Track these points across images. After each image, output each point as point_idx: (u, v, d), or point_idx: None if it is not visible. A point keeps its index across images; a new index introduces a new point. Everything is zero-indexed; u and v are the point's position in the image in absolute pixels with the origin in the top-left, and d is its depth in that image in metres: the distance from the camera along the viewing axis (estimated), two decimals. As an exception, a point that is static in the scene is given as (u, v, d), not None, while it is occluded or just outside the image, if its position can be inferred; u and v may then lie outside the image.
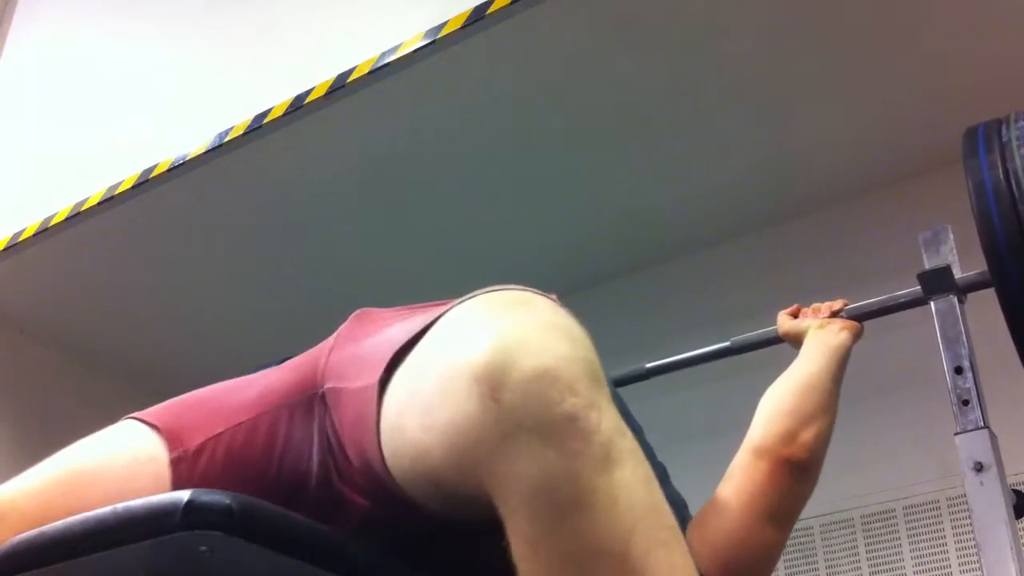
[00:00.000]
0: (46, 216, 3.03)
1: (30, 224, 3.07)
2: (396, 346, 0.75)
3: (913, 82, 2.60)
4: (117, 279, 3.35)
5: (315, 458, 0.82)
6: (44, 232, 3.04)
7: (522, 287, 0.72)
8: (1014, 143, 1.31)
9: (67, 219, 2.99)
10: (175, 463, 0.80)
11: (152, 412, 0.86)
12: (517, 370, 0.60)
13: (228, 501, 0.62)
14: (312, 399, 0.85)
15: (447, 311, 0.73)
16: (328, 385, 0.84)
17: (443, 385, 0.65)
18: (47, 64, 3.46)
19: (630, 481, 0.60)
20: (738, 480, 1.11)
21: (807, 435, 1.16)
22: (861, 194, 2.95)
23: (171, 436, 0.82)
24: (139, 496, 0.67)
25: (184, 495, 0.62)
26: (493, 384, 0.60)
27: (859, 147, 2.86)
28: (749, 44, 2.53)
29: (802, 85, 2.66)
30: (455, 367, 0.64)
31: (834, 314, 1.48)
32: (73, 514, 0.69)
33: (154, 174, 2.84)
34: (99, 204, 2.93)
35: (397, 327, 0.81)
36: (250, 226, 3.13)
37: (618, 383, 1.81)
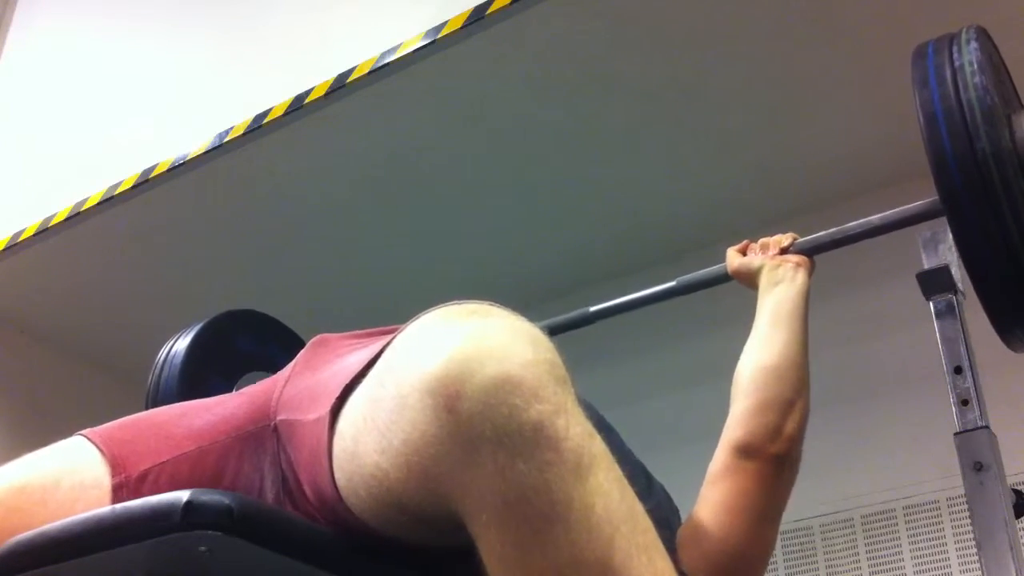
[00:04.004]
0: (46, 216, 3.03)
1: (30, 224, 3.07)
2: (351, 374, 0.72)
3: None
4: (117, 279, 3.35)
5: (268, 494, 0.79)
6: (44, 232, 3.04)
7: (479, 300, 0.69)
8: (967, 69, 1.22)
9: (67, 219, 2.99)
10: (116, 490, 0.78)
11: (103, 431, 0.84)
12: (476, 378, 0.58)
13: (228, 501, 0.62)
14: (264, 431, 0.81)
15: (401, 330, 0.70)
16: (281, 417, 0.81)
17: (397, 401, 0.62)
18: (47, 64, 3.46)
19: (604, 487, 0.58)
20: (726, 486, 1.04)
21: (791, 426, 1.09)
22: (860, 194, 2.95)
23: (115, 462, 0.79)
24: None
25: (184, 495, 0.61)
26: (449, 394, 0.58)
27: (859, 147, 2.86)
28: (749, 45, 2.53)
29: (803, 86, 2.65)
30: (408, 381, 0.61)
31: (783, 250, 1.39)
32: (15, 533, 0.69)
33: (154, 174, 2.84)
34: (99, 204, 2.93)
35: (353, 355, 0.78)
36: (250, 226, 3.13)
37: (562, 328, 1.66)
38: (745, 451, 1.06)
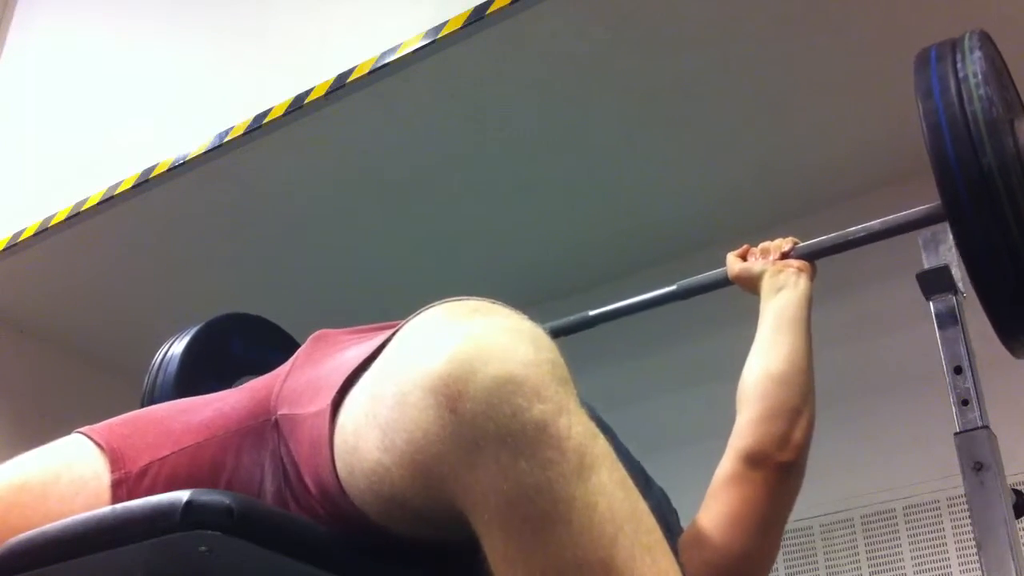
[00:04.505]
0: (46, 216, 3.03)
1: (30, 224, 3.07)
2: (351, 367, 0.72)
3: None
4: (117, 279, 3.35)
5: (268, 487, 0.79)
6: (44, 232, 3.04)
7: (479, 297, 0.69)
8: (971, 80, 1.21)
9: (67, 219, 2.99)
10: (115, 485, 0.78)
11: (101, 428, 0.84)
12: (478, 378, 0.58)
13: (228, 501, 0.62)
14: (264, 425, 0.81)
15: (402, 325, 0.71)
16: (281, 411, 0.81)
17: (399, 399, 0.62)
18: (47, 64, 3.45)
19: (607, 487, 0.58)
20: (732, 495, 1.04)
21: (799, 434, 1.09)
22: (860, 194, 2.95)
23: (115, 456, 0.79)
24: None
25: (184, 495, 0.61)
26: (451, 394, 0.58)
27: (858, 147, 2.86)
28: (748, 44, 2.53)
29: (802, 85, 2.65)
30: (411, 379, 0.61)
31: (784, 255, 1.39)
32: (13, 532, 0.69)
33: (154, 174, 2.84)
34: (99, 204, 2.93)
35: (353, 349, 0.78)
36: (250, 226, 3.13)
37: (563, 331, 1.66)
38: (753, 460, 1.06)
